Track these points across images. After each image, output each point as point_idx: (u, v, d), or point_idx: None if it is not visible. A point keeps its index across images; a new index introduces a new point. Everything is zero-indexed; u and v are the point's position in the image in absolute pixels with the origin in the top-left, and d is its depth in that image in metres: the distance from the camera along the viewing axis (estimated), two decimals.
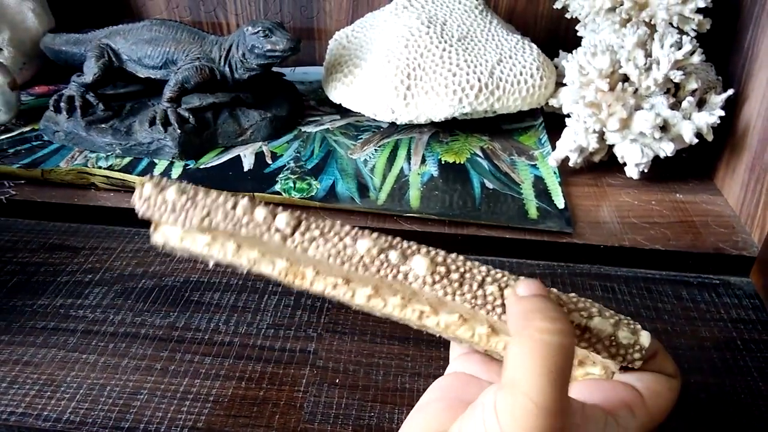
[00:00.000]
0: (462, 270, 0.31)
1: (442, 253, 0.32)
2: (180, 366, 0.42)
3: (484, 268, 0.31)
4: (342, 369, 0.42)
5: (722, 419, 0.39)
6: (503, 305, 0.30)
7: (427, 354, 0.43)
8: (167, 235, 0.34)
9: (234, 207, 0.32)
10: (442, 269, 0.31)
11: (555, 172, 0.61)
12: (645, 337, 0.30)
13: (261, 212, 0.32)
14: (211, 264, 0.35)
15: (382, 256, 0.31)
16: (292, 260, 0.33)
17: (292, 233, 0.32)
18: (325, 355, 0.43)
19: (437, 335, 0.33)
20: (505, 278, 0.31)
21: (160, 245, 0.34)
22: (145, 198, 0.33)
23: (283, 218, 0.32)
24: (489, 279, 0.31)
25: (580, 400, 0.29)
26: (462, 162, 0.62)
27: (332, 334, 0.45)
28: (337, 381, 0.41)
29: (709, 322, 0.47)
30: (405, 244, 0.32)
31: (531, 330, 0.26)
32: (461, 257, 0.32)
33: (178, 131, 0.60)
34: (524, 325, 0.27)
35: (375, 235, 0.32)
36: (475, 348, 0.34)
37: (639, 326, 0.30)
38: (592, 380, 0.34)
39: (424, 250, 0.32)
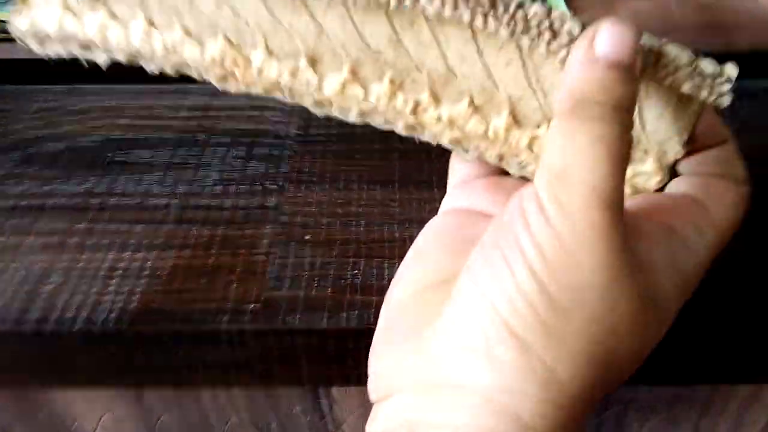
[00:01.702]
0: None
1: None
2: (102, 238, 0.32)
3: None
4: (313, 224, 0.33)
5: None
6: (552, 29, 0.22)
7: (417, 196, 0.34)
8: (37, 17, 0.24)
9: None
10: None
11: None
12: (731, 68, 0.24)
13: None
14: (102, 61, 0.25)
15: None
16: (231, 36, 0.25)
17: None
18: (289, 209, 0.34)
19: (435, 143, 0.25)
20: None
21: (24, 35, 0.24)
22: None
23: None
24: None
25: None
26: None
27: (297, 185, 0.35)
28: (308, 238, 0.32)
29: (753, 134, 0.38)
30: None
31: (590, 106, 0.20)
32: None
33: None
34: (581, 101, 0.21)
35: None
36: (487, 158, 0.26)
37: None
38: (642, 197, 0.26)
39: None
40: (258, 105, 0.41)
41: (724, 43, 0.44)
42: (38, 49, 0.26)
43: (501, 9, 0.24)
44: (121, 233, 0.33)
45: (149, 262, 0.31)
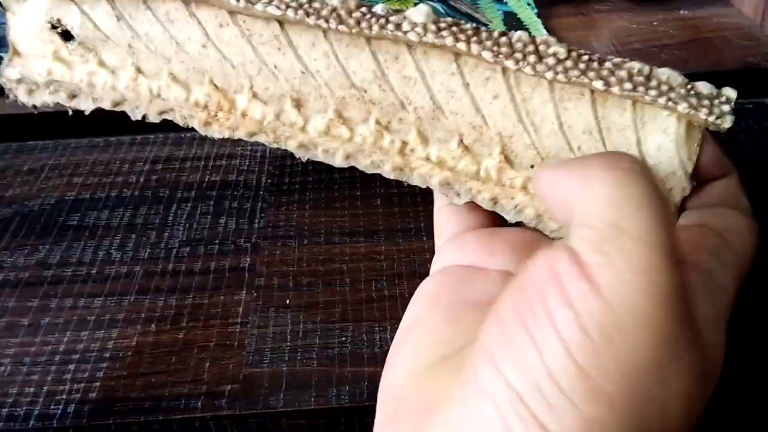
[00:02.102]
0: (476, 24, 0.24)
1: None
2: (57, 317, 0.29)
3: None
4: (292, 285, 0.30)
5: None
6: (537, 53, 0.23)
7: (405, 247, 0.31)
8: (28, 66, 0.26)
9: None
10: (449, 19, 0.23)
11: (529, 4, 0.48)
12: (730, 90, 0.23)
13: None
14: (88, 108, 0.26)
15: (364, 8, 0.23)
16: (217, 80, 0.25)
17: None
18: (266, 270, 0.31)
19: (425, 186, 0.24)
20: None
21: (13, 84, 0.26)
22: None
23: None
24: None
25: None
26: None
27: (272, 241, 0.32)
28: (288, 302, 0.29)
29: (756, 154, 0.36)
30: None
31: (612, 163, 0.18)
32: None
33: None
34: (599, 163, 0.18)
35: None
36: (480, 201, 0.25)
37: None
38: None
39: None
40: (225, 153, 0.38)
41: (713, 59, 0.42)
42: (26, 99, 0.26)
43: (484, 35, 0.23)
44: (77, 309, 0.29)
45: (110, 342, 0.28)
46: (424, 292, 0.23)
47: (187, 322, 0.28)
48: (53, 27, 0.25)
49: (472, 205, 0.25)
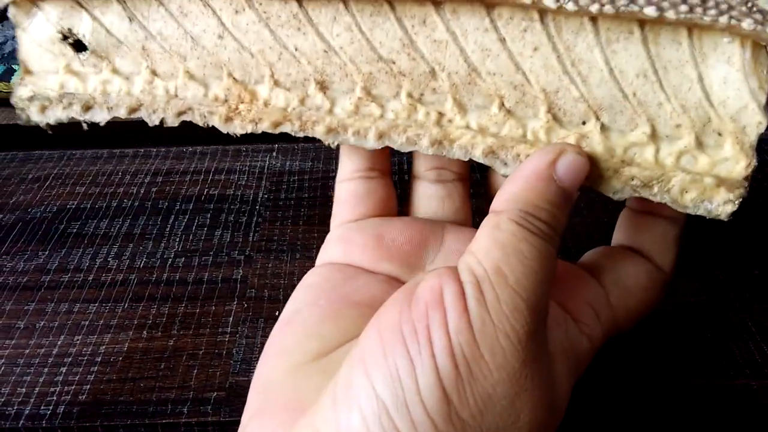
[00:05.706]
0: None
1: None
2: (53, 320, 0.30)
3: None
4: (282, 297, 0.31)
5: None
6: None
7: None
8: (40, 83, 0.25)
9: None
10: None
11: None
12: None
13: None
14: (102, 119, 0.24)
15: None
16: (235, 73, 0.24)
17: None
18: (257, 282, 0.32)
19: (466, 159, 0.23)
20: None
21: (25, 103, 0.24)
22: None
23: None
24: None
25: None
26: None
27: (266, 255, 0.33)
28: (277, 314, 0.29)
29: None
30: None
31: (538, 222, 0.20)
32: None
33: None
34: (529, 212, 0.20)
35: None
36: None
37: None
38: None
39: None
40: (224, 168, 0.39)
41: None
42: (39, 118, 0.25)
43: None
44: (72, 314, 0.30)
45: (102, 347, 0.28)
46: (308, 284, 0.23)
47: (178, 330, 0.29)
48: (64, 38, 0.24)
49: (372, 187, 0.25)
